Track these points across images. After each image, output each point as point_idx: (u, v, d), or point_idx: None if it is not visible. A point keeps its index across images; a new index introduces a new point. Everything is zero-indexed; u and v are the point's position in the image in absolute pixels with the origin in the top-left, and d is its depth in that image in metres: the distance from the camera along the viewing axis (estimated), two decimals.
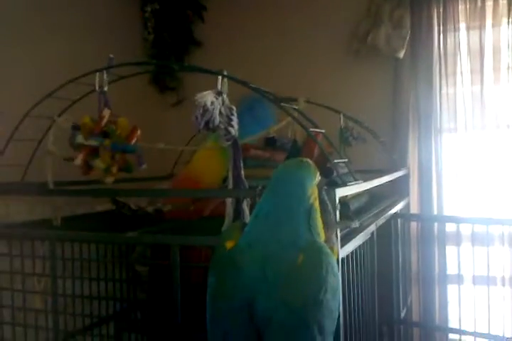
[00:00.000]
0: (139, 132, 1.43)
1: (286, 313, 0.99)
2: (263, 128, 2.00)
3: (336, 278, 1.04)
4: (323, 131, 1.40)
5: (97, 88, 1.42)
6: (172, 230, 1.42)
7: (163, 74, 2.68)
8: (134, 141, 1.41)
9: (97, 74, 1.41)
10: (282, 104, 1.40)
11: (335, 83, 2.52)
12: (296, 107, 1.51)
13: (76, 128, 1.43)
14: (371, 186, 1.46)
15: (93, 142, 1.36)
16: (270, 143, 1.91)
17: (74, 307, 1.59)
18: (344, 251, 1.15)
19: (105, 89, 1.42)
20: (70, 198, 1.64)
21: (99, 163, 1.35)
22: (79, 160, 1.38)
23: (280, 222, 1.04)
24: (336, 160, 1.30)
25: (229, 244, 1.11)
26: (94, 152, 1.40)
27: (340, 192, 1.15)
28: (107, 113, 1.41)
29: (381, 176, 1.70)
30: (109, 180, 1.40)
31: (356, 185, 1.30)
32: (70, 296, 1.56)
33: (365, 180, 1.45)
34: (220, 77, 1.34)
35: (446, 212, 2.37)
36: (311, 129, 1.36)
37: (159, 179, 2.26)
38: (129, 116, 1.52)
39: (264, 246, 1.04)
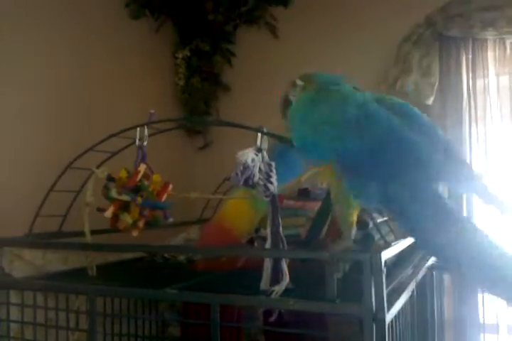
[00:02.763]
0: (170, 187, 1.44)
1: None
2: (295, 176, 2.00)
3: None
4: None
5: (136, 142, 1.44)
6: (208, 285, 1.39)
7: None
8: (164, 198, 1.43)
9: (138, 129, 1.43)
10: None
11: None
12: None
13: (111, 179, 1.44)
14: (411, 242, 1.43)
15: (126, 198, 1.37)
16: (303, 194, 1.90)
17: None
18: (390, 315, 1.11)
19: (145, 143, 1.44)
20: None
21: (127, 218, 1.37)
22: (109, 213, 1.40)
23: None
24: (378, 220, 1.28)
25: None
26: (124, 205, 1.43)
27: (386, 255, 1.12)
28: (142, 168, 1.42)
29: None
30: (135, 233, 1.42)
31: (399, 245, 1.27)
32: None
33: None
34: (259, 134, 1.34)
35: None
36: None
37: (188, 224, 2.26)
38: (158, 159, 1.55)
39: None
